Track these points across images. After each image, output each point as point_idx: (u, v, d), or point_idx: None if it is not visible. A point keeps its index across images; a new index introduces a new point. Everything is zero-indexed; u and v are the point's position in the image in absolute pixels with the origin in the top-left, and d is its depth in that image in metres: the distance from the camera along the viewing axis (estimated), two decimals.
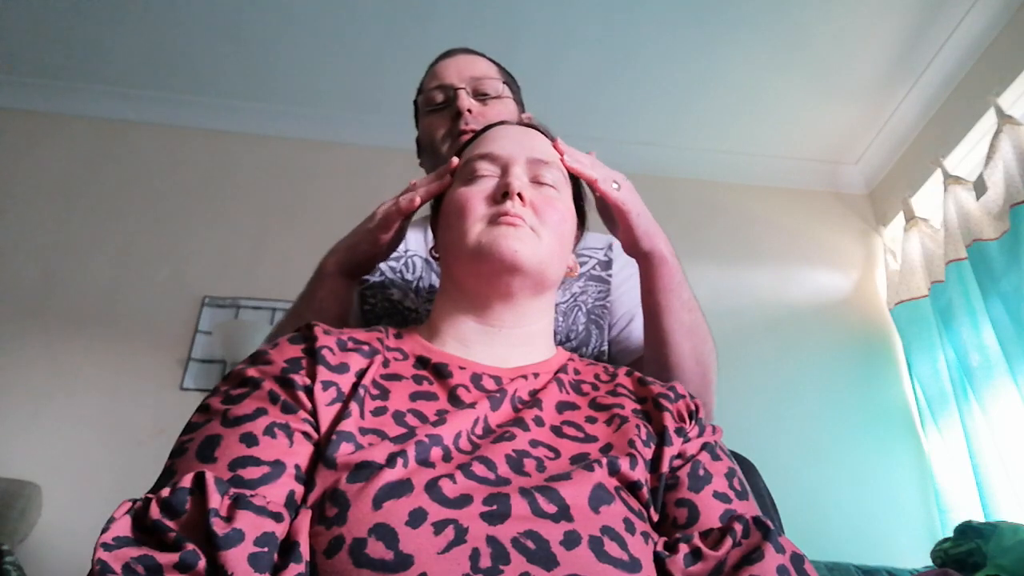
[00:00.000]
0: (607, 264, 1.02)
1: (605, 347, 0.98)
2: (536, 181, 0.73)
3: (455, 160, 0.79)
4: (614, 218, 0.80)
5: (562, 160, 0.76)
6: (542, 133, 0.80)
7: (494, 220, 0.68)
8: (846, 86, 2.51)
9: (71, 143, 2.56)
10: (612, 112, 2.61)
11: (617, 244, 1.03)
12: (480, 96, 1.00)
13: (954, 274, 2.18)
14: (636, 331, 0.93)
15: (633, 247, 0.81)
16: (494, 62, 1.07)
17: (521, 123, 0.83)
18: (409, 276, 0.98)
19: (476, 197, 0.71)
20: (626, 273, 1.01)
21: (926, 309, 2.32)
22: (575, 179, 0.80)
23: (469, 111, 0.97)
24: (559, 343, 0.90)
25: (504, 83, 1.03)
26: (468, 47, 1.07)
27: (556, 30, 2.32)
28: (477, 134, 0.82)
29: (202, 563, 0.43)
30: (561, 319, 0.94)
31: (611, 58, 2.42)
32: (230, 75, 2.53)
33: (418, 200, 0.79)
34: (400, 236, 0.85)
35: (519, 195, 0.69)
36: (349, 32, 2.35)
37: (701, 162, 2.80)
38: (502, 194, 0.70)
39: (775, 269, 2.68)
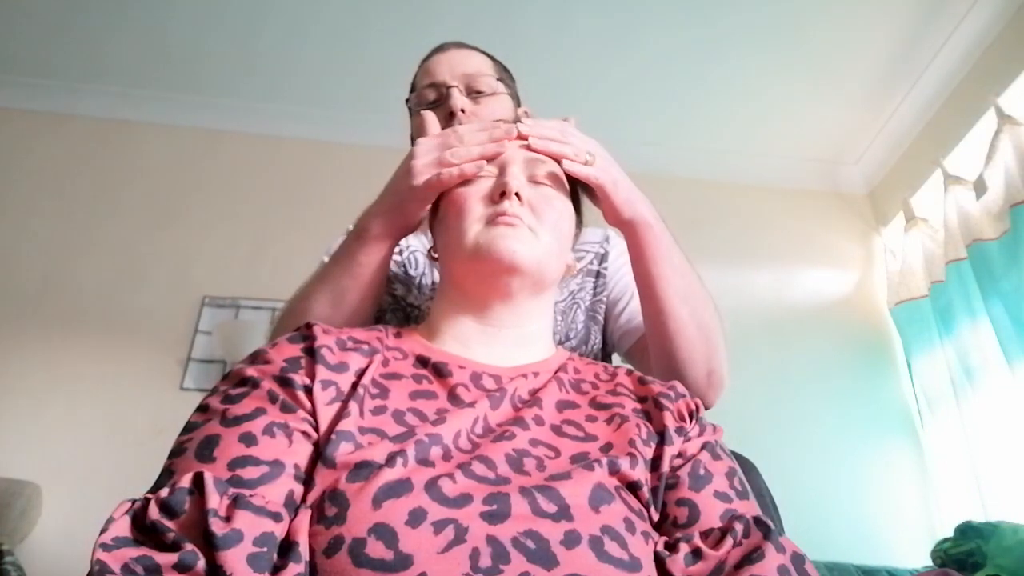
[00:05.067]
0: (603, 257, 1.00)
1: (602, 343, 0.98)
2: (533, 180, 0.73)
3: (518, 130, 0.74)
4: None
5: (528, 146, 0.73)
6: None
7: (492, 220, 0.68)
8: (846, 86, 2.51)
9: (71, 143, 2.56)
10: (612, 112, 2.61)
11: (613, 235, 1.01)
12: (473, 94, 0.98)
13: (954, 274, 2.18)
14: (638, 309, 0.89)
15: (615, 218, 0.78)
16: (488, 55, 1.04)
17: (517, 119, 0.81)
18: (412, 272, 0.98)
19: (473, 197, 0.70)
20: (625, 258, 1.00)
21: (926, 309, 2.32)
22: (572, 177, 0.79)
23: (462, 111, 0.95)
24: (559, 342, 0.89)
25: (498, 79, 1.01)
26: (460, 41, 1.04)
27: (555, 30, 2.32)
28: None
29: (201, 563, 0.42)
30: (560, 318, 0.93)
31: (611, 58, 2.41)
32: (230, 75, 2.53)
33: (475, 167, 0.71)
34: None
35: (516, 195, 0.69)
36: (350, 32, 2.35)
37: (701, 162, 2.80)
38: (499, 194, 0.69)
39: (775, 269, 2.68)
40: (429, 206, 0.78)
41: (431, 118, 0.84)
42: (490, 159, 0.73)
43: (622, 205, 0.76)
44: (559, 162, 0.74)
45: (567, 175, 0.76)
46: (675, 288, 0.79)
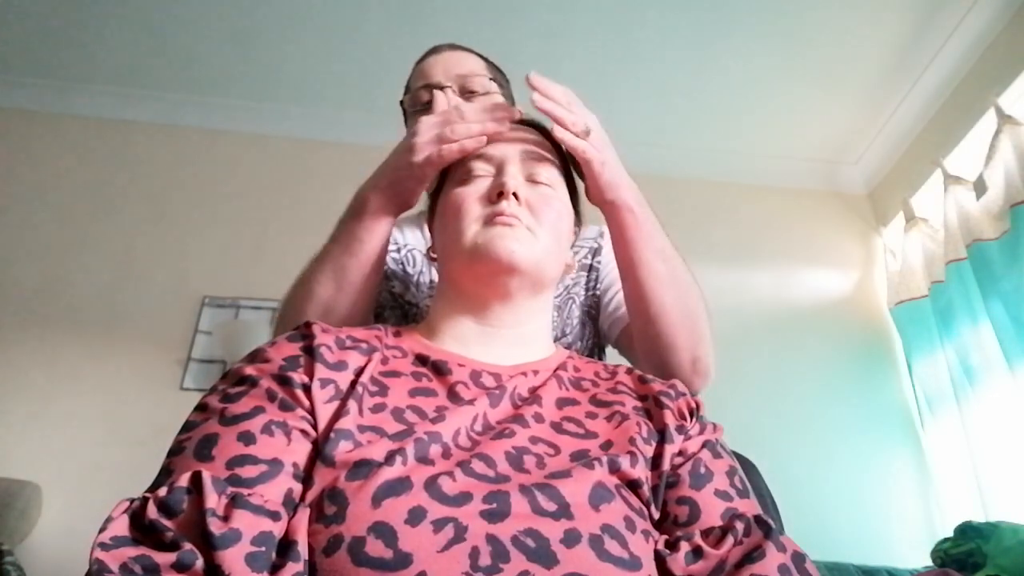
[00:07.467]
0: (596, 251, 1.01)
1: (595, 336, 0.98)
2: (531, 180, 0.73)
3: (519, 111, 0.75)
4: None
5: (535, 103, 0.71)
6: (534, 128, 0.79)
7: (490, 220, 0.68)
8: (846, 86, 2.51)
9: (71, 143, 2.56)
10: (612, 112, 2.60)
11: (607, 230, 1.02)
12: (467, 94, 0.98)
13: (954, 274, 2.18)
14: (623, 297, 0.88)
15: (596, 197, 0.77)
16: (482, 57, 1.05)
17: (516, 120, 0.81)
18: (410, 269, 0.98)
19: (471, 197, 0.70)
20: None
21: (926, 309, 2.32)
22: (571, 176, 0.79)
23: None
24: (555, 338, 0.89)
25: (491, 79, 1.01)
26: (454, 43, 1.05)
27: (556, 30, 2.32)
28: None
29: (199, 563, 0.42)
30: (556, 313, 0.93)
31: (611, 58, 2.41)
32: (230, 75, 2.53)
33: (475, 143, 0.72)
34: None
35: (514, 194, 0.69)
36: (349, 31, 2.35)
37: (701, 162, 2.80)
38: (497, 194, 0.69)
39: (775, 269, 2.68)
40: (428, 183, 0.78)
41: (440, 98, 0.84)
42: (491, 138, 0.73)
43: (605, 186, 0.75)
44: (554, 132, 0.71)
45: (562, 149, 0.75)
46: (655, 273, 0.78)
